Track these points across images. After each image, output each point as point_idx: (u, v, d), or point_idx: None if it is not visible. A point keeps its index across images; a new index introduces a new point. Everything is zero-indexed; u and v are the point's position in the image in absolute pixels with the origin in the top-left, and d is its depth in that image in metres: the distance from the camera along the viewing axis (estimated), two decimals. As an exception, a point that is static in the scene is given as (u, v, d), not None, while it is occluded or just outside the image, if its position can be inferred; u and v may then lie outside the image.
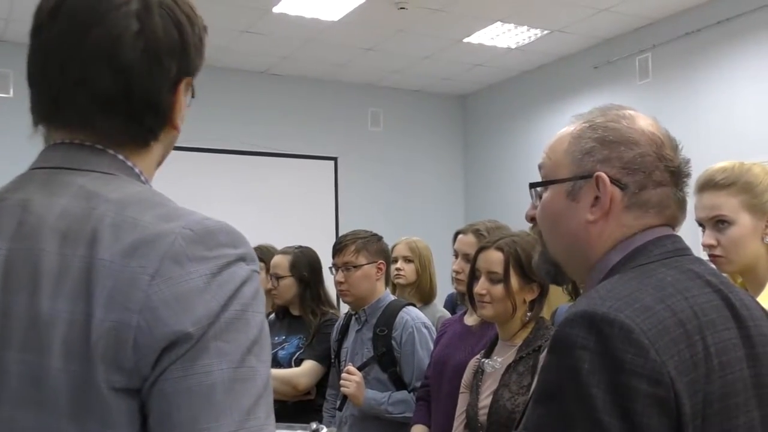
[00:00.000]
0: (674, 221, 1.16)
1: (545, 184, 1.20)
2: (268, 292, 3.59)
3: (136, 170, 0.94)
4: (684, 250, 1.14)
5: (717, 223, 1.90)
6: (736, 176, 1.89)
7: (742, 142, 5.24)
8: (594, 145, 1.14)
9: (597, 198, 1.12)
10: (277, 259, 3.41)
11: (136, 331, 0.77)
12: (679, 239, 1.15)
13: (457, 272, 2.69)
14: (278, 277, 3.34)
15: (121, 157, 0.93)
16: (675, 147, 1.17)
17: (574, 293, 3.16)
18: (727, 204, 1.88)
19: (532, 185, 1.23)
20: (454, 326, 2.73)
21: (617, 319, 0.96)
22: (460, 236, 2.79)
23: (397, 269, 3.69)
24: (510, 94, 7.57)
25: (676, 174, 1.15)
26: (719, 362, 1.00)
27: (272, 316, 3.47)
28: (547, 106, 7.08)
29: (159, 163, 1.00)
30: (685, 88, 5.87)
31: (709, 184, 1.92)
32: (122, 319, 0.77)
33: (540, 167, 1.22)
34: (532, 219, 1.24)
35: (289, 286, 3.35)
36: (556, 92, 6.99)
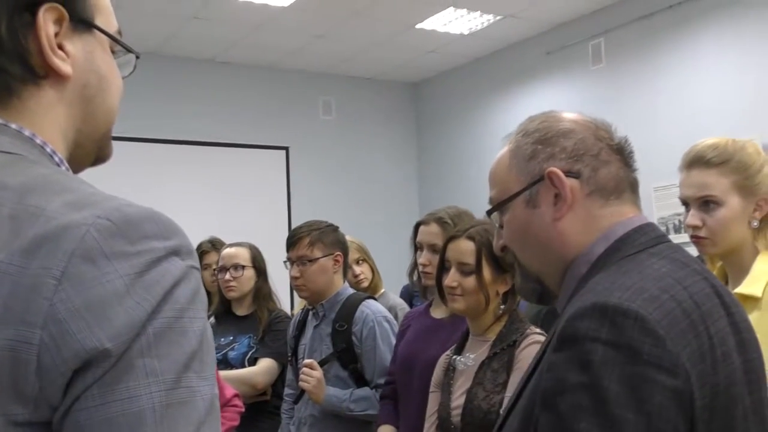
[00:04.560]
0: (635, 206, 1.14)
1: (501, 205, 1.18)
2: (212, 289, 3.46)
3: (48, 149, 0.78)
4: (663, 237, 1.12)
5: (704, 203, 1.79)
6: (729, 154, 1.77)
7: (697, 126, 5.23)
8: (534, 147, 1.14)
9: (557, 195, 1.11)
10: (234, 250, 3.27)
11: (40, 350, 0.62)
12: (655, 226, 1.14)
13: (425, 265, 2.53)
14: (239, 267, 3.21)
15: (27, 132, 0.77)
16: (608, 128, 1.17)
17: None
18: (718, 184, 1.76)
19: (489, 212, 1.20)
20: (420, 319, 2.61)
21: (631, 309, 0.93)
22: (422, 227, 2.62)
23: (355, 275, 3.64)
24: (463, 80, 7.49)
25: (620, 151, 1.14)
26: (722, 352, 0.98)
27: (212, 319, 3.32)
28: (500, 92, 7.02)
29: (82, 131, 0.83)
30: (639, 72, 5.85)
31: (699, 161, 1.79)
32: (20, 336, 0.62)
33: (490, 200, 1.21)
34: (502, 249, 1.21)
35: (249, 278, 3.25)
36: (509, 78, 6.93)
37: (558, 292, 1.16)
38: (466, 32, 6.53)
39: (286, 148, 7.29)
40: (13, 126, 0.76)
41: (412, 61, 7.32)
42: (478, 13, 6.12)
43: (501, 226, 1.20)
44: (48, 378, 0.62)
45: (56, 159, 0.79)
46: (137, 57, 0.92)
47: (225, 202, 6.70)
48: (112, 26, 0.86)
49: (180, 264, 0.68)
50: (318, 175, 7.38)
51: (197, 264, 0.72)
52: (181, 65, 6.73)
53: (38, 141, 0.77)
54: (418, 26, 6.33)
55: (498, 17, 6.21)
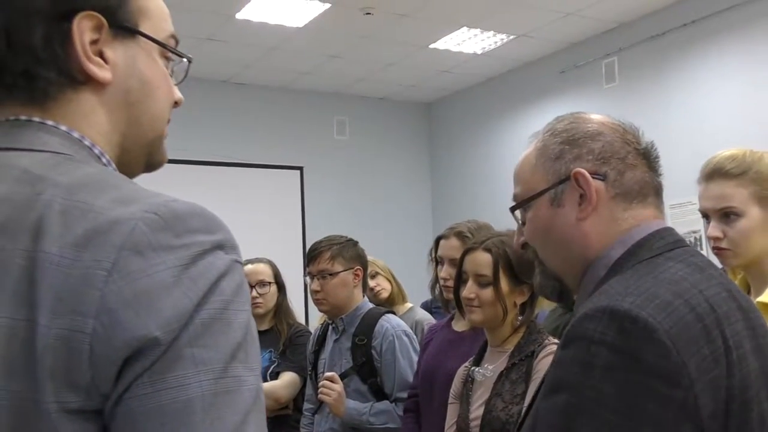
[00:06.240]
0: (658, 210, 1.16)
1: (525, 202, 1.18)
2: None
3: (96, 150, 0.80)
4: (681, 241, 1.13)
5: (725, 214, 1.79)
6: (747, 165, 1.77)
7: (710, 144, 5.22)
8: (562, 147, 1.15)
9: (582, 196, 1.12)
10: (257, 267, 3.34)
11: (92, 338, 0.64)
12: (673, 230, 1.15)
13: (446, 279, 2.54)
14: (265, 284, 3.28)
15: (76, 135, 0.79)
16: (635, 132, 1.18)
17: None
18: (737, 195, 1.76)
19: (513, 209, 1.21)
20: (441, 332, 2.62)
21: (640, 317, 0.94)
22: (442, 241, 2.65)
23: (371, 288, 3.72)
24: (476, 100, 7.53)
25: (647, 155, 1.16)
26: (737, 355, 0.98)
27: None
28: (513, 111, 7.06)
29: (128, 136, 0.85)
30: (652, 91, 5.88)
31: (717, 173, 1.79)
32: (73, 326, 0.64)
33: (514, 197, 1.21)
34: (523, 246, 1.22)
35: (273, 294, 3.31)
36: (522, 98, 6.96)
37: (577, 292, 1.18)
38: (479, 52, 6.58)
39: (301, 168, 7.34)
40: (63, 128, 0.79)
41: (425, 81, 7.38)
42: (492, 32, 6.17)
43: (523, 223, 1.21)
44: (100, 366, 0.64)
45: (104, 160, 0.81)
46: (189, 61, 0.92)
47: (240, 222, 6.65)
48: (162, 31, 0.87)
49: (225, 257, 0.70)
50: (332, 195, 7.42)
51: (241, 258, 0.73)
52: (196, 86, 6.78)
53: (87, 143, 0.80)
54: (431, 46, 6.39)
55: (511, 37, 6.26)
